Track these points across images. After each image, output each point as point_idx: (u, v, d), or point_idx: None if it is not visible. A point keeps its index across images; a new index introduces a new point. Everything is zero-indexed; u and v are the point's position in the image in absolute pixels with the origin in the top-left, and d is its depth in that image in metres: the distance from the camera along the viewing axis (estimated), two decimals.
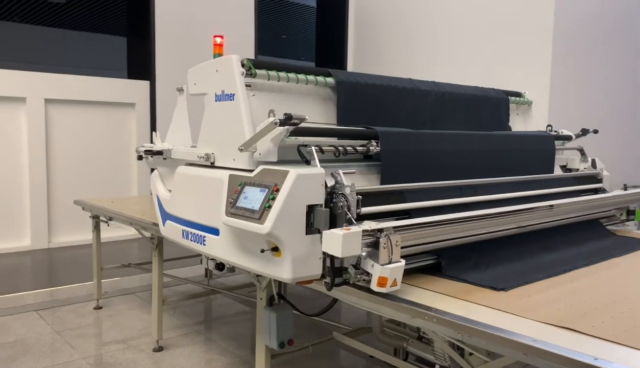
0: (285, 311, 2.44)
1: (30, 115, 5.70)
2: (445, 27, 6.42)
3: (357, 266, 1.84)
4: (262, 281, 2.46)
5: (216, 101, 2.36)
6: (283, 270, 1.94)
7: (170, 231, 2.67)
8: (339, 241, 1.72)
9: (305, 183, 1.91)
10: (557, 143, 3.32)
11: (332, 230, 1.78)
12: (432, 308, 1.70)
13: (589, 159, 3.36)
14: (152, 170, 3.16)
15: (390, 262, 1.80)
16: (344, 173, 2.00)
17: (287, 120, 1.98)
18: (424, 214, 2.19)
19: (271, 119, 1.99)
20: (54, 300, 4.48)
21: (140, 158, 3.12)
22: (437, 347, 2.17)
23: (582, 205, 2.85)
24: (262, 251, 1.98)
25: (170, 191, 2.78)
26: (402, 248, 1.88)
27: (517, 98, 3.49)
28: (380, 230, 1.81)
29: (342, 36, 7.91)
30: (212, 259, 2.53)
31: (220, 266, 2.56)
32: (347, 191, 1.94)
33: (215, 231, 2.26)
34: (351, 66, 7.88)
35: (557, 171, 3.32)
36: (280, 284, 2.53)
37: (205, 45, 6.63)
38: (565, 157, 3.45)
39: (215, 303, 4.59)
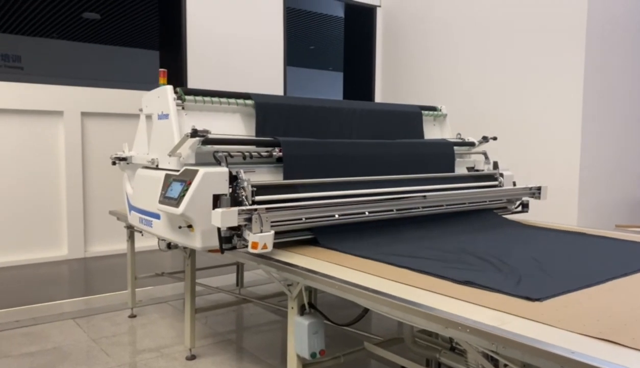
0: (317, 320, 2.45)
1: (68, 128, 5.87)
2: (474, 33, 6.37)
3: (240, 235, 2.49)
4: (293, 290, 2.47)
5: (158, 119, 3.06)
6: (195, 241, 2.66)
7: (133, 219, 3.39)
8: (219, 217, 2.36)
9: (211, 178, 2.59)
10: (465, 148, 3.96)
11: (216, 209, 2.40)
12: (466, 318, 1.68)
13: (492, 161, 3.91)
14: None
15: (261, 232, 2.41)
16: (245, 171, 2.65)
17: (194, 133, 2.68)
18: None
19: (185, 132, 2.71)
20: (90, 308, 4.59)
21: (114, 163, 3.75)
22: (470, 358, 2.14)
23: (458, 196, 3.36)
24: (180, 227, 2.71)
25: (133, 188, 3.45)
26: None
27: (434, 112, 4.07)
28: (255, 209, 2.44)
29: (370, 46, 7.93)
30: (163, 240, 3.14)
31: (169, 245, 3.18)
32: (245, 184, 2.60)
33: (157, 216, 2.96)
34: (380, 74, 7.89)
35: (463, 171, 3.89)
36: (311, 293, 2.55)
37: (235, 57, 6.75)
38: (473, 160, 4.01)
39: (247, 312, 4.63)
